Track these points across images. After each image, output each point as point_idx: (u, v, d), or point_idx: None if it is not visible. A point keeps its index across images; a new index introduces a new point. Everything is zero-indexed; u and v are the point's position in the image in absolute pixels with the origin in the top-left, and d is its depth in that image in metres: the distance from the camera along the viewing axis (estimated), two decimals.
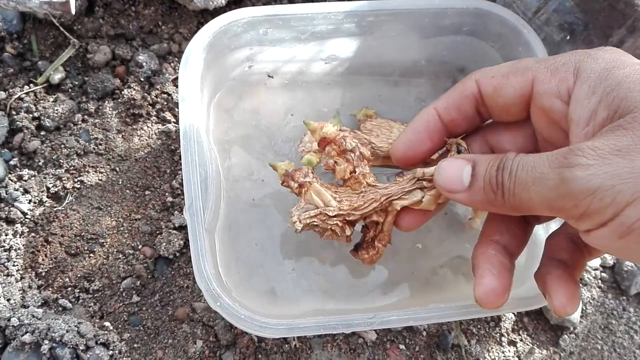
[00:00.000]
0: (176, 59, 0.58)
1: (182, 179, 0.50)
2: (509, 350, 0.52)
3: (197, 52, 0.46)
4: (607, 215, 0.26)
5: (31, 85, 0.55)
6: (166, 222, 0.52)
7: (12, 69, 0.55)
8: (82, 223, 0.51)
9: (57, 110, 0.53)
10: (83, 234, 0.51)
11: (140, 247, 0.51)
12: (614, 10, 0.50)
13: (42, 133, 0.54)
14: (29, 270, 0.49)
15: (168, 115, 0.56)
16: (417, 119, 0.40)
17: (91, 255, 0.50)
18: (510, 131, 0.39)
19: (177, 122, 0.56)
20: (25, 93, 0.54)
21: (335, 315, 0.43)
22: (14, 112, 0.53)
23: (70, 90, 0.56)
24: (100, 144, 0.54)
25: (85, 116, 0.55)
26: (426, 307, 0.44)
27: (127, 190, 0.53)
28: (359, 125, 0.52)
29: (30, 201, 0.51)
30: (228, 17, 0.48)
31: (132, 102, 0.55)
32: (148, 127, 0.55)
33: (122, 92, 0.55)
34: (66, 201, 0.51)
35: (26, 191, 0.51)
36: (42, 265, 0.49)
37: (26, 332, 0.45)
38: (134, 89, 0.55)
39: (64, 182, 0.52)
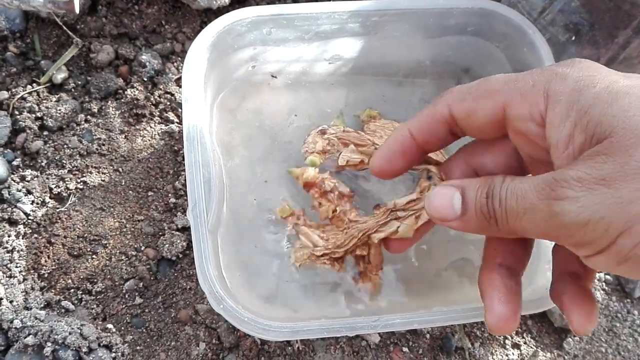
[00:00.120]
0: (179, 58, 0.58)
1: (185, 180, 0.50)
2: (512, 353, 0.52)
3: (201, 51, 0.46)
4: (603, 245, 0.26)
5: (34, 84, 0.54)
6: (169, 224, 0.52)
7: (14, 68, 0.55)
8: (84, 224, 0.51)
9: (59, 110, 0.53)
10: (86, 235, 0.50)
11: (143, 248, 0.51)
12: (620, 10, 0.50)
13: (45, 133, 0.53)
14: (32, 271, 0.49)
15: (171, 115, 0.56)
16: (391, 139, 0.40)
17: (94, 256, 0.50)
18: (492, 149, 0.38)
19: (180, 123, 0.55)
20: (28, 93, 0.54)
21: (338, 318, 0.43)
22: (16, 112, 0.53)
23: (73, 90, 0.55)
24: (103, 145, 0.54)
25: (88, 116, 0.55)
26: (430, 310, 0.44)
27: (130, 191, 0.53)
28: (363, 126, 0.52)
29: (32, 202, 0.51)
30: (232, 16, 0.47)
31: (135, 102, 0.55)
32: (151, 127, 0.55)
33: (125, 92, 0.55)
34: (69, 202, 0.51)
35: (29, 192, 0.51)
36: (44, 267, 0.49)
37: (29, 334, 0.45)
38: (137, 89, 0.55)
39: (67, 182, 0.52)
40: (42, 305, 0.48)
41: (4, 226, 0.50)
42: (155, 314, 0.49)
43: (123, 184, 0.53)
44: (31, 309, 0.47)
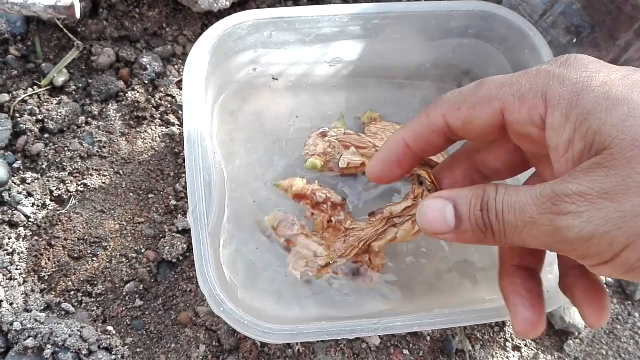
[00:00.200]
0: (180, 61, 0.58)
1: (185, 182, 0.50)
2: (513, 356, 0.52)
3: (202, 54, 0.46)
4: (607, 257, 0.27)
5: (35, 87, 0.55)
6: (170, 226, 0.52)
7: (15, 71, 0.55)
8: (85, 226, 0.51)
9: (60, 112, 0.53)
10: (86, 237, 0.50)
11: (143, 250, 0.51)
12: (621, 13, 0.50)
13: (46, 136, 0.53)
14: (32, 274, 0.49)
15: (172, 118, 0.56)
16: (386, 148, 0.39)
17: (94, 259, 0.50)
18: (494, 147, 0.38)
19: (181, 125, 0.55)
20: (29, 95, 0.54)
21: (339, 321, 0.42)
22: (17, 115, 0.53)
23: (74, 92, 0.55)
24: (104, 147, 0.54)
25: (89, 119, 0.55)
26: (431, 313, 0.44)
27: (131, 194, 0.53)
28: (364, 129, 0.52)
29: (33, 204, 0.51)
30: (233, 19, 0.47)
31: (136, 104, 0.55)
32: (152, 130, 0.55)
33: (126, 95, 0.55)
34: (69, 204, 0.51)
35: (29, 194, 0.51)
36: (45, 269, 0.49)
37: (29, 337, 0.45)
38: (138, 92, 0.55)
39: (68, 185, 0.52)
40: (42, 308, 0.48)
41: (5, 228, 0.50)
42: (155, 316, 0.49)
43: (124, 186, 0.53)
44: (31, 311, 0.47)
